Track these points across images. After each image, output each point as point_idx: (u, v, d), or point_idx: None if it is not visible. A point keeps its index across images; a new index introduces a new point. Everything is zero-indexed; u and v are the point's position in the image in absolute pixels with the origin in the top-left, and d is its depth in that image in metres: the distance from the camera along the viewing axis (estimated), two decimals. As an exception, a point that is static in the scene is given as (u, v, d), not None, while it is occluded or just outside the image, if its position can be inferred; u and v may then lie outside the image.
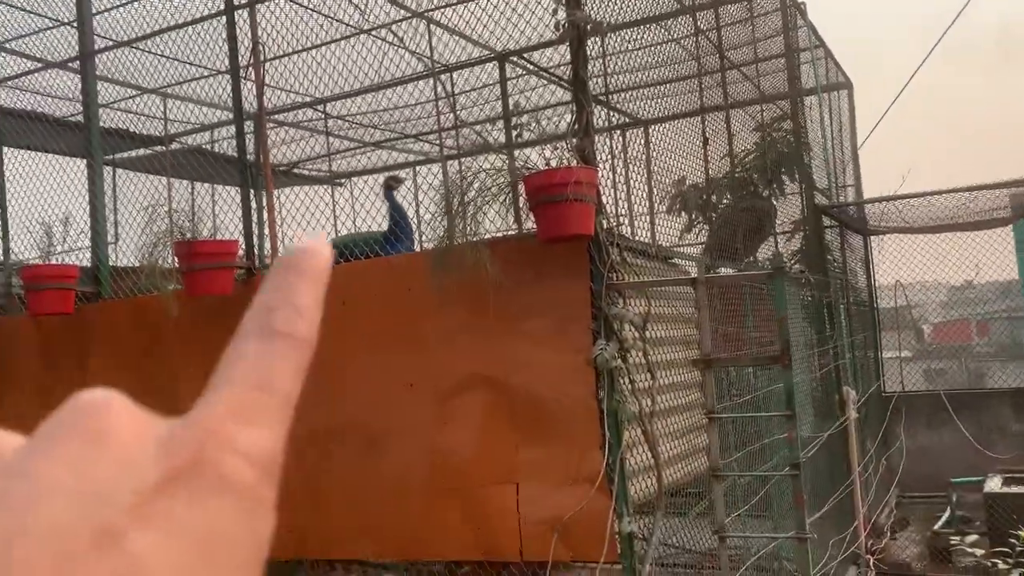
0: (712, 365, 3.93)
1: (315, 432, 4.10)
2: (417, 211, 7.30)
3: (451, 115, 7.39)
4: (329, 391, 4.07)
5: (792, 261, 7.19)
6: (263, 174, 4.89)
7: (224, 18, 4.63)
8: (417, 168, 10.27)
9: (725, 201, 7.08)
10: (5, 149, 6.16)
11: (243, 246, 4.51)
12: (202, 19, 4.90)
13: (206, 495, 0.27)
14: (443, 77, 7.12)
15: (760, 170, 7.21)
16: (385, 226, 5.26)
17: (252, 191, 4.74)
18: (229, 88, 4.69)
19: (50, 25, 6.27)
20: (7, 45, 6.23)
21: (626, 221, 6.41)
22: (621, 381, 3.60)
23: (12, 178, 6.48)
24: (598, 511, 3.50)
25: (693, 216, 7.21)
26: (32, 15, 6.38)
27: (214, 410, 0.29)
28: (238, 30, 4.62)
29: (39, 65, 5.82)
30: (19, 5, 6.31)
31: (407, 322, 3.93)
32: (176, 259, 4.23)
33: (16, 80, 5.95)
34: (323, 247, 0.33)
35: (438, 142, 8.67)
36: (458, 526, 3.81)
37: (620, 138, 7.42)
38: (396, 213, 5.32)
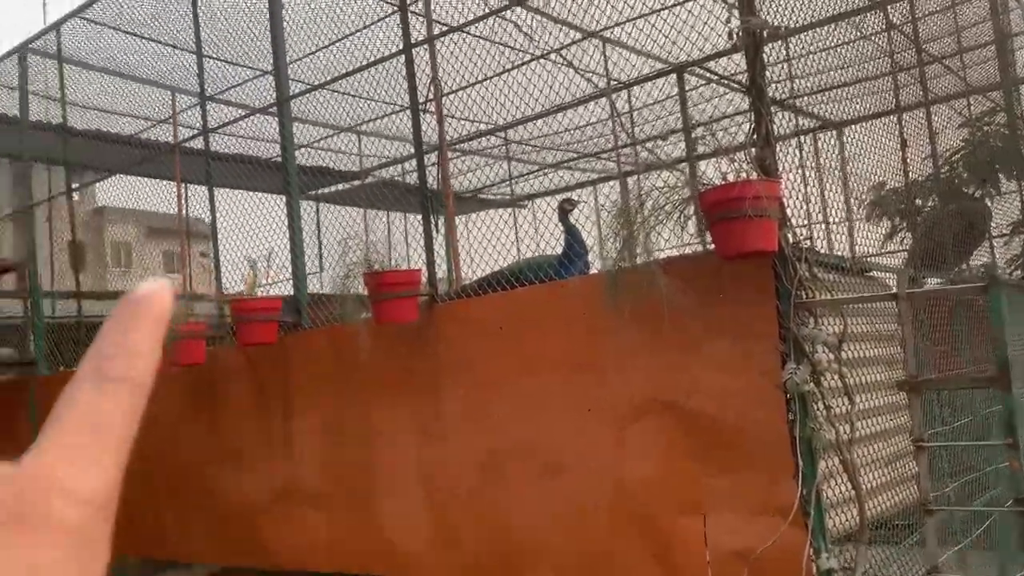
0: (919, 388, 3.59)
1: (493, 453, 4.14)
2: (599, 230, 7.27)
3: (627, 132, 7.32)
4: (505, 415, 4.10)
5: (1012, 268, 6.49)
6: (445, 203, 5.04)
7: (403, 56, 4.84)
8: (598, 186, 10.28)
9: (930, 205, 6.52)
10: (216, 190, 6.75)
11: (425, 274, 4.66)
12: (383, 59, 5.15)
13: (29, 537, 0.27)
14: (620, 93, 7.07)
15: (971, 169, 6.59)
16: (560, 250, 5.28)
17: (434, 219, 4.89)
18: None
19: (252, 76, 6.83)
20: (217, 97, 6.85)
21: (821, 232, 6.05)
22: (814, 406, 3.36)
23: (224, 216, 7.11)
24: (792, 545, 3.27)
25: (895, 222, 6.68)
26: (238, 67, 6.98)
27: (43, 455, 0.30)
28: (416, 67, 4.81)
29: (243, 112, 6.35)
30: (227, 58, 6.94)
31: (582, 345, 3.89)
32: (366, 289, 4.44)
33: (226, 127, 6.52)
34: (161, 292, 0.33)
35: (615, 159, 8.61)
36: (640, 556, 3.70)
37: (811, 144, 7.03)
38: (570, 235, 5.32)
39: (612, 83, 6.66)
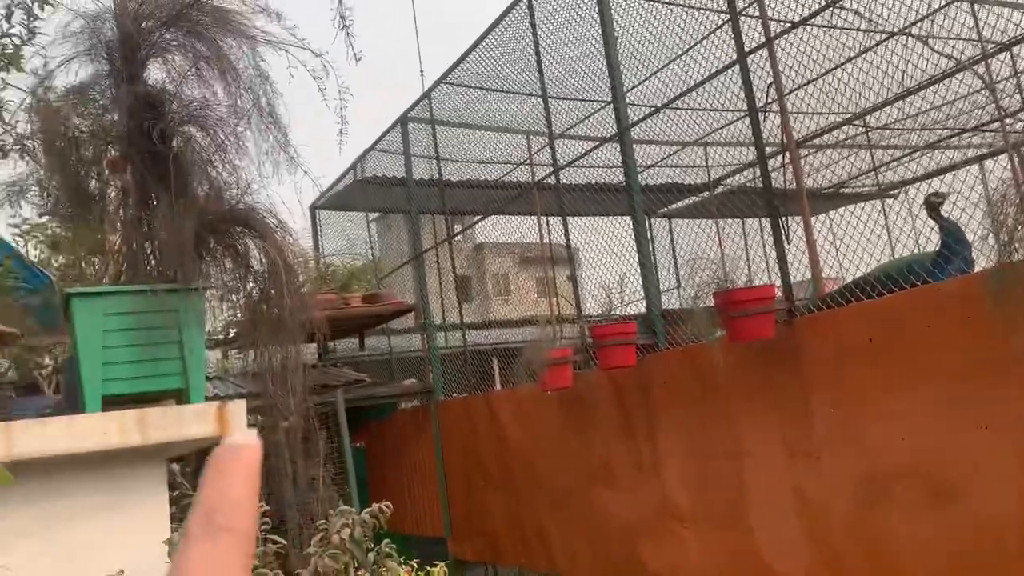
0: None
1: (871, 475, 3.79)
2: (985, 218, 6.35)
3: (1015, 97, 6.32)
4: (881, 434, 3.73)
5: None
6: (799, 205, 4.78)
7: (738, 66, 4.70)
8: (984, 164, 9.02)
9: None
10: (571, 219, 7.11)
11: (780, 286, 4.44)
12: (718, 73, 5.05)
13: None
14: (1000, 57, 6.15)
15: None
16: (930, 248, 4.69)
17: (784, 224, 4.65)
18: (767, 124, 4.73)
19: (595, 109, 7.11)
20: (566, 134, 7.25)
21: None
22: None
23: (583, 242, 7.46)
24: None
25: None
26: (581, 101, 7.32)
27: None
28: (753, 70, 4.66)
29: (589, 146, 6.63)
30: (570, 96, 7.31)
31: (971, 355, 3.41)
32: (717, 308, 4.35)
33: (575, 163, 6.86)
34: (250, 442, 0.34)
35: (999, 132, 7.48)
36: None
37: None
38: (945, 231, 4.70)
39: (987, 47, 5.82)
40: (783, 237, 4.61)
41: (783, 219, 4.61)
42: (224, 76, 3.34)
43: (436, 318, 9.16)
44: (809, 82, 5.44)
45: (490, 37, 7.33)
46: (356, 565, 2.96)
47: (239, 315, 3.76)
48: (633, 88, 6.38)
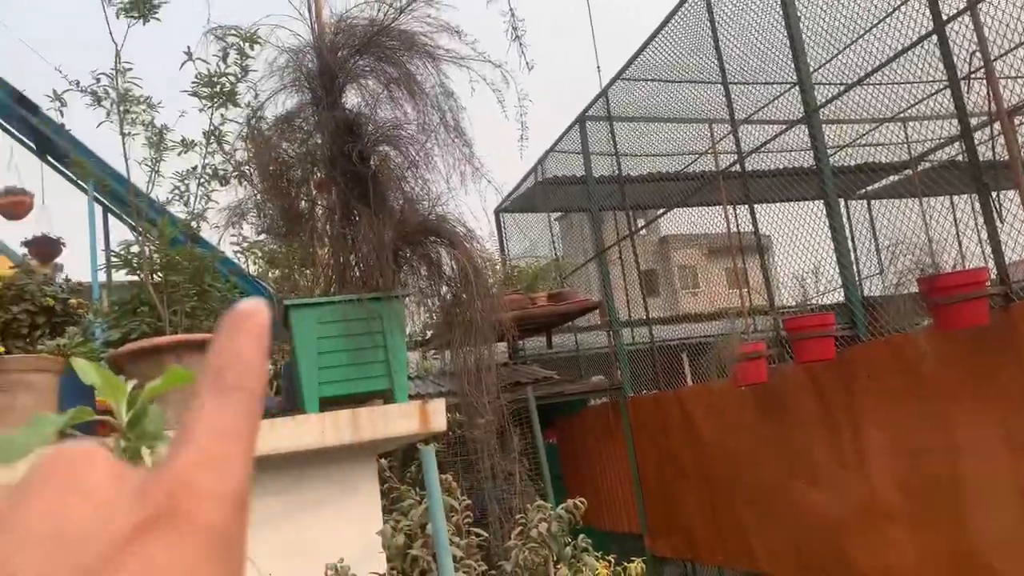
0: None
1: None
2: None
3: None
4: None
5: None
6: (1014, 179, 4.38)
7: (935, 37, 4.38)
8: None
9: None
10: (759, 207, 6.88)
11: (993, 269, 4.09)
12: (912, 45, 4.72)
13: (179, 539, 0.29)
14: None
15: None
16: None
17: (996, 201, 4.28)
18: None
19: (779, 93, 6.84)
20: (750, 119, 7.02)
21: None
22: None
23: (774, 230, 7.20)
24: None
25: None
26: (764, 85, 7.07)
27: (182, 461, 0.31)
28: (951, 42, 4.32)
29: (776, 130, 6.40)
30: (751, 80, 7.08)
31: None
32: (922, 294, 4.08)
33: (761, 148, 6.64)
34: (260, 307, 0.35)
35: None
36: None
37: None
38: None
39: None
40: (994, 214, 4.25)
41: (994, 195, 4.25)
42: (413, 96, 3.54)
43: (622, 314, 9.17)
44: (1019, 45, 4.97)
45: (664, 27, 7.25)
46: (555, 559, 3.05)
47: (435, 318, 3.97)
48: (820, 67, 6.09)
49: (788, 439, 5.73)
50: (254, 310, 0.35)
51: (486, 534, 3.54)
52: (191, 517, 0.29)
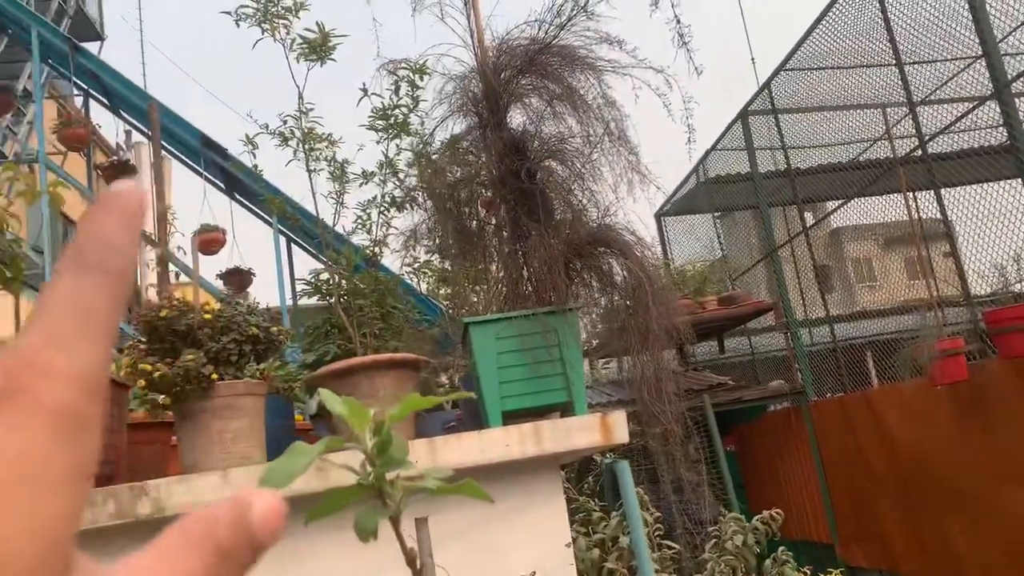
0: None
1: None
2: None
3: None
4: None
5: None
6: None
7: None
8: None
9: None
10: (944, 191, 6.42)
11: None
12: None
13: (20, 418, 0.27)
14: None
15: None
16: None
17: None
18: None
19: (960, 68, 6.36)
20: (928, 100, 6.57)
21: None
22: None
23: (960, 220, 6.69)
24: None
25: None
26: (941, 62, 6.59)
27: (30, 339, 0.29)
28: None
29: (958, 108, 5.95)
30: (927, 58, 6.62)
31: None
32: None
33: (944, 131, 6.20)
34: (133, 188, 0.32)
35: None
36: None
37: None
38: None
39: None
40: None
41: None
42: (576, 109, 3.57)
43: (797, 314, 8.80)
44: None
45: (828, 12, 6.92)
46: (751, 572, 2.96)
47: (608, 328, 3.97)
48: (1007, 36, 5.61)
49: (995, 440, 5.28)
50: (126, 191, 0.33)
51: (678, 547, 3.49)
52: (35, 396, 0.28)
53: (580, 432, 3.35)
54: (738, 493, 8.19)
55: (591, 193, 3.61)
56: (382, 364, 3.35)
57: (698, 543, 3.52)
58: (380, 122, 3.79)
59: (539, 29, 3.68)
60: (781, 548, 3.24)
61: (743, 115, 8.68)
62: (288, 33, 3.62)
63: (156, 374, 3.02)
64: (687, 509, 4.02)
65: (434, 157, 4.27)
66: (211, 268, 9.30)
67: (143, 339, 3.24)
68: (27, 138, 10.25)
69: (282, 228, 8.80)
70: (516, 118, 3.76)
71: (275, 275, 8.81)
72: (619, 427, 3.35)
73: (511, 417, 3.53)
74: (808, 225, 8.64)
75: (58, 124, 10.20)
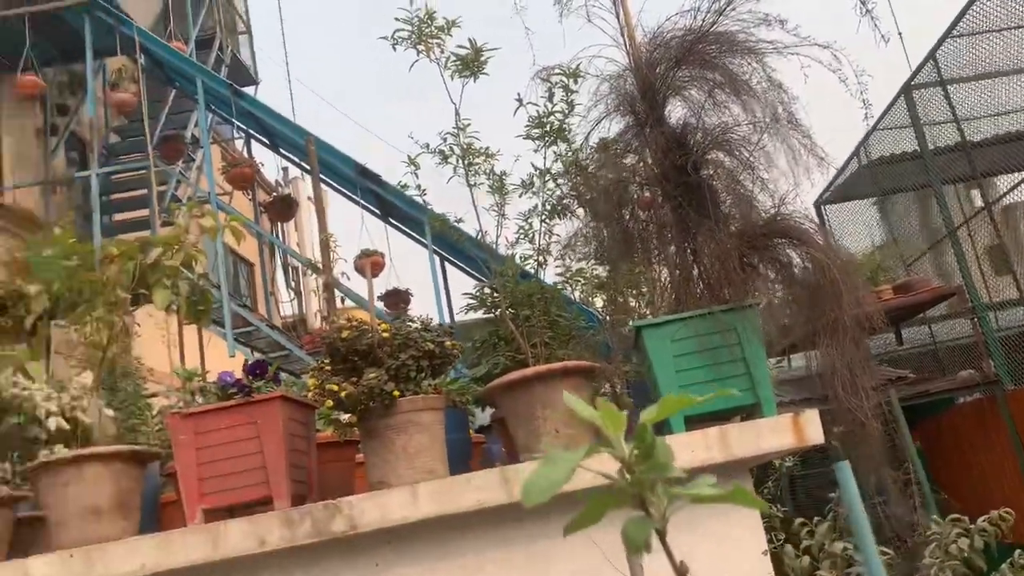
0: None
1: None
2: None
3: None
4: None
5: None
6: None
7: None
8: None
9: None
10: None
11: None
12: None
13: None
14: None
15: None
16: None
17: None
18: None
19: None
20: None
21: None
22: None
23: None
24: None
25: None
26: None
27: None
28: None
29: None
30: None
31: None
32: None
33: None
34: None
35: None
36: None
37: None
38: None
39: None
40: None
41: None
42: (739, 96, 3.42)
43: (981, 297, 8.11)
44: None
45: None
46: (982, 579, 2.69)
47: (787, 322, 3.77)
48: None
49: None
50: None
51: (890, 552, 3.24)
52: None
53: (771, 434, 3.17)
54: (933, 490, 7.61)
55: (762, 182, 3.44)
56: (557, 373, 3.31)
57: (910, 547, 3.25)
58: (536, 130, 3.77)
59: (693, 18, 3.55)
60: (1018, 551, 2.93)
61: (906, 90, 8.12)
62: (442, 52, 3.67)
63: (342, 393, 3.11)
64: (890, 511, 3.74)
65: (585, 162, 4.21)
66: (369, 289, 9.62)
67: (327, 360, 3.34)
68: (198, 181, 11.00)
69: (436, 248, 9.00)
70: (675, 112, 3.65)
71: (431, 294, 9.03)
72: (812, 427, 3.14)
73: (691, 423, 3.40)
74: (991, 201, 7.96)
75: (225, 166, 10.92)
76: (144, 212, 9.74)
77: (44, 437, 4.43)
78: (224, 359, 8.63)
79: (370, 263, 8.63)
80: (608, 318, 6.03)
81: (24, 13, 9.21)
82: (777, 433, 3.18)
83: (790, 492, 8.19)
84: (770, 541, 5.12)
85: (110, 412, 4.20)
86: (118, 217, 10.39)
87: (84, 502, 3.04)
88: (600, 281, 6.80)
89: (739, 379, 3.31)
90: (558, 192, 4.41)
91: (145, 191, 9.60)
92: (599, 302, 7.52)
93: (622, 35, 3.75)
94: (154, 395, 7.04)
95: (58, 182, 10.43)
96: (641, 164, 3.97)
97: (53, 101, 10.72)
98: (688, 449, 3.18)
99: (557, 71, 3.61)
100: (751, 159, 3.42)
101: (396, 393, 3.19)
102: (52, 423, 4.46)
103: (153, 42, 10.23)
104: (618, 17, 3.71)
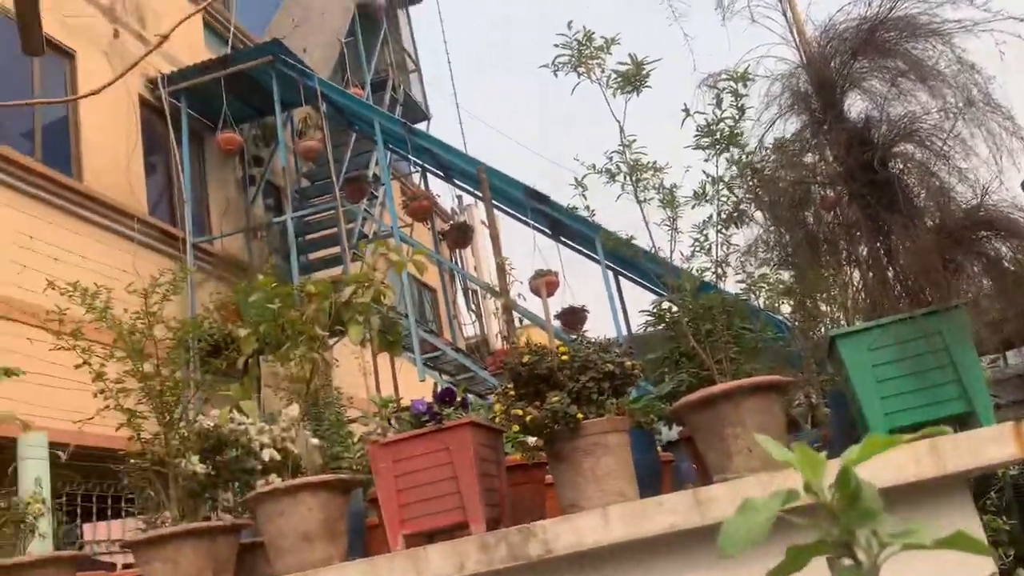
0: None
1: None
2: None
3: None
4: None
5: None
6: None
7: None
8: None
9: None
10: None
11: None
12: None
13: None
14: None
15: None
16: None
17: None
18: None
19: None
20: None
21: None
22: None
23: None
24: None
25: None
26: None
27: None
28: None
29: None
30: None
31: None
32: None
33: None
34: None
35: None
36: None
37: None
38: None
39: None
40: None
41: None
42: (925, 82, 3.18)
43: None
44: None
45: None
46: None
47: (1002, 316, 3.44)
48: None
49: None
50: None
51: None
52: None
53: (989, 445, 2.89)
54: None
55: (959, 172, 3.17)
56: (745, 389, 3.19)
57: None
58: (705, 139, 3.68)
59: (868, 6, 3.35)
60: None
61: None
62: (603, 71, 3.67)
63: (527, 418, 3.15)
64: None
65: (759, 165, 4.06)
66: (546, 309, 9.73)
67: (510, 385, 3.41)
68: (381, 216, 11.61)
69: (610, 263, 8.98)
70: (855, 106, 3.44)
71: (607, 308, 8.99)
72: (1040, 436, 2.84)
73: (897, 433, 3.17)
74: None
75: (404, 200, 11.45)
76: (335, 249, 10.38)
77: (259, 468, 4.80)
78: (415, 383, 9.01)
79: (544, 283, 8.73)
80: (797, 325, 5.76)
81: (219, 76, 10.11)
82: (997, 443, 2.90)
83: (1017, 503, 7.45)
84: (1000, 559, 4.70)
85: (316, 441, 4.48)
86: (312, 255, 11.14)
87: (297, 529, 3.26)
88: (786, 286, 6.52)
89: (948, 387, 3.05)
90: (732, 199, 4.28)
91: (335, 229, 10.23)
92: (786, 308, 7.20)
93: (791, 32, 3.60)
94: (353, 421, 7.45)
95: (258, 228, 11.34)
96: (821, 163, 3.78)
97: (250, 154, 11.69)
98: (893, 467, 2.96)
99: (724, 76, 3.51)
100: (945, 148, 3.17)
101: (580, 416, 3.19)
102: (266, 454, 4.82)
103: (333, 90, 10.93)
104: (785, 14, 3.56)
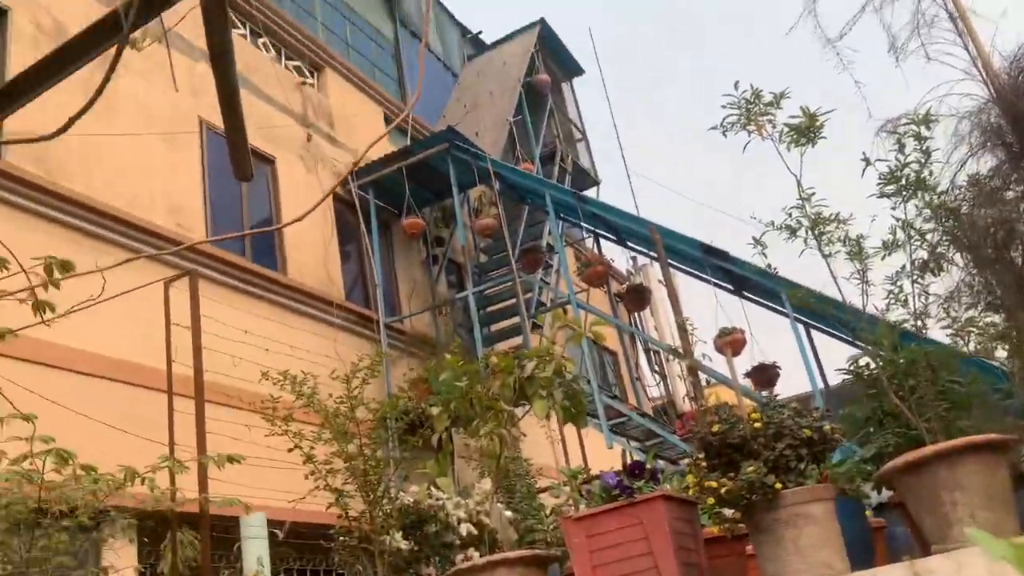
0: None
1: None
2: None
3: None
4: None
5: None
6: None
7: None
8: None
9: None
10: None
11: None
12: None
13: None
14: None
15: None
16: None
17: None
18: None
19: None
20: None
21: None
22: None
23: None
24: None
25: None
26: None
27: None
28: None
29: None
30: None
31: None
32: None
33: None
34: None
35: None
36: None
37: None
38: None
39: None
40: None
41: None
42: None
43: None
44: None
45: None
46: None
47: None
48: None
49: None
50: None
51: None
52: None
53: None
54: None
55: None
56: (960, 449, 2.94)
57: None
58: (890, 186, 3.52)
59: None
60: None
61: None
62: (773, 127, 3.61)
63: (722, 490, 3.06)
64: None
65: (953, 206, 3.81)
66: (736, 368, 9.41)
67: (701, 456, 3.33)
68: (557, 284, 11.78)
69: (799, 316, 8.61)
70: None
71: (798, 362, 8.57)
72: None
73: None
74: None
75: (579, 266, 11.58)
76: (515, 319, 10.63)
77: (457, 542, 4.93)
78: (602, 451, 8.95)
79: (730, 342, 8.48)
80: (1017, 373, 5.27)
81: (401, 167, 10.78)
82: None
83: None
84: None
85: (509, 514, 4.55)
86: (494, 327, 11.45)
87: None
88: (998, 331, 6.00)
89: None
90: (927, 244, 4.04)
91: (513, 300, 10.49)
92: (1001, 353, 6.60)
93: (975, 65, 3.40)
94: (544, 491, 7.50)
95: (443, 305, 11.83)
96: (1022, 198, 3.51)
97: (431, 235, 12.29)
98: None
99: (904, 120, 3.36)
100: None
101: (778, 486, 3.06)
102: (463, 529, 4.94)
103: (505, 169, 11.36)
104: (967, 48, 3.38)
